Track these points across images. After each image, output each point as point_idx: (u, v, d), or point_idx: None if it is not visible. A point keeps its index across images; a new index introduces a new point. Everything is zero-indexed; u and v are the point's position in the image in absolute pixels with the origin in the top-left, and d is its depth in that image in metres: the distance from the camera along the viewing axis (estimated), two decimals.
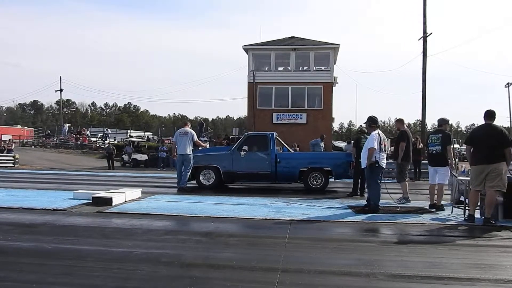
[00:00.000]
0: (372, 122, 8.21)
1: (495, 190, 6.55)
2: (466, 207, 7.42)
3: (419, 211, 7.88)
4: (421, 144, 16.86)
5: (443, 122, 8.39)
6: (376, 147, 7.70)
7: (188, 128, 11.60)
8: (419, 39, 26.13)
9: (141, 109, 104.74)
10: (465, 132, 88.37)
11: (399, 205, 8.37)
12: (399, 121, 9.78)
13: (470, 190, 6.98)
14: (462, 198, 7.91)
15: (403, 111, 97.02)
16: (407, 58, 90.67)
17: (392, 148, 11.02)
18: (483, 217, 6.99)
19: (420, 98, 26.01)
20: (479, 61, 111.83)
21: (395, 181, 10.05)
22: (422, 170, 16.16)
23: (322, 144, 17.82)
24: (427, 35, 25.66)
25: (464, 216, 7.21)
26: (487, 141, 6.63)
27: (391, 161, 11.21)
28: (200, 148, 11.87)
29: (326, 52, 30.04)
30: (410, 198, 9.02)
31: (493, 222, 6.58)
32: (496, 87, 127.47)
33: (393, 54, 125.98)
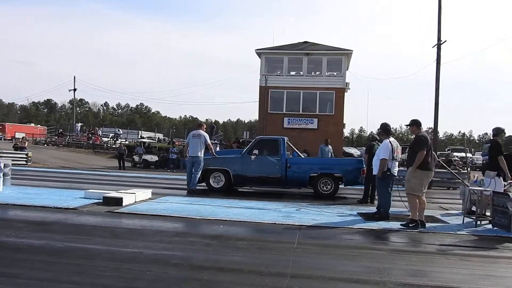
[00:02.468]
0: (384, 130, 8.16)
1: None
2: (478, 217, 7.35)
3: (430, 220, 7.81)
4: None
5: (496, 131, 8.29)
6: (387, 157, 7.65)
7: (201, 131, 11.59)
8: (433, 47, 25.93)
9: (153, 110, 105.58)
10: (477, 141, 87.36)
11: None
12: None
13: (420, 195, 7.08)
14: (474, 208, 7.83)
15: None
16: (420, 65, 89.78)
17: (405, 155, 10.89)
18: (495, 228, 6.93)
19: (432, 105, 25.83)
20: (493, 69, 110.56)
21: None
22: (432, 178, 15.94)
23: (328, 148, 17.51)
24: (442, 42, 25.44)
25: (475, 226, 7.15)
26: (431, 149, 7.18)
27: (402, 168, 11.11)
28: (209, 152, 11.84)
29: (339, 58, 29.97)
30: None
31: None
32: (510, 95, 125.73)
33: (407, 61, 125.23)
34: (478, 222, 7.30)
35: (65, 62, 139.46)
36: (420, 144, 6.98)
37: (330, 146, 17.72)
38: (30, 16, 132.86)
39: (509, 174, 7.83)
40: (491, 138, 8.53)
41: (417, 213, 6.94)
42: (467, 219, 7.68)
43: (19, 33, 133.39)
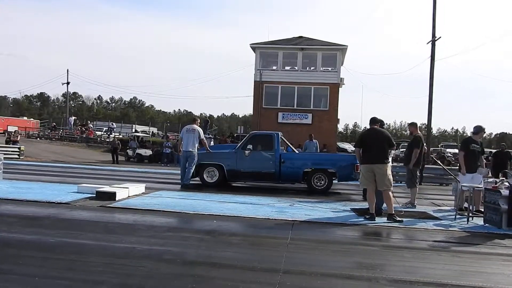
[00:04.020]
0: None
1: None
2: (470, 213, 7.40)
3: (423, 216, 7.85)
4: (426, 148, 16.74)
5: (476, 130, 8.50)
6: None
7: (195, 126, 11.57)
8: (427, 43, 25.99)
9: (147, 104, 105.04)
10: None
11: (403, 209, 8.32)
12: (413, 125, 9.64)
13: (367, 188, 7.54)
14: (466, 205, 7.87)
15: (409, 115, 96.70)
16: (415, 62, 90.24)
17: (398, 151, 10.99)
18: (486, 224, 6.98)
19: (426, 101, 25.92)
20: (487, 66, 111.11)
21: (400, 184, 10.00)
22: (424, 174, 16.00)
23: (313, 143, 17.24)
24: (436, 39, 25.49)
25: (467, 222, 7.20)
26: (378, 143, 7.40)
27: (395, 164, 11.16)
28: (204, 147, 11.80)
29: (334, 53, 29.96)
30: (416, 204, 8.97)
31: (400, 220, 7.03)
32: (503, 93, 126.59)
33: (401, 57, 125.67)
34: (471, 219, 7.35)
35: (58, 55, 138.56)
36: (356, 141, 8.09)
37: (315, 141, 17.49)
38: (22, 9, 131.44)
39: (464, 170, 8.21)
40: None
41: (373, 206, 7.28)
42: (459, 216, 7.72)
43: (11, 25, 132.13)
